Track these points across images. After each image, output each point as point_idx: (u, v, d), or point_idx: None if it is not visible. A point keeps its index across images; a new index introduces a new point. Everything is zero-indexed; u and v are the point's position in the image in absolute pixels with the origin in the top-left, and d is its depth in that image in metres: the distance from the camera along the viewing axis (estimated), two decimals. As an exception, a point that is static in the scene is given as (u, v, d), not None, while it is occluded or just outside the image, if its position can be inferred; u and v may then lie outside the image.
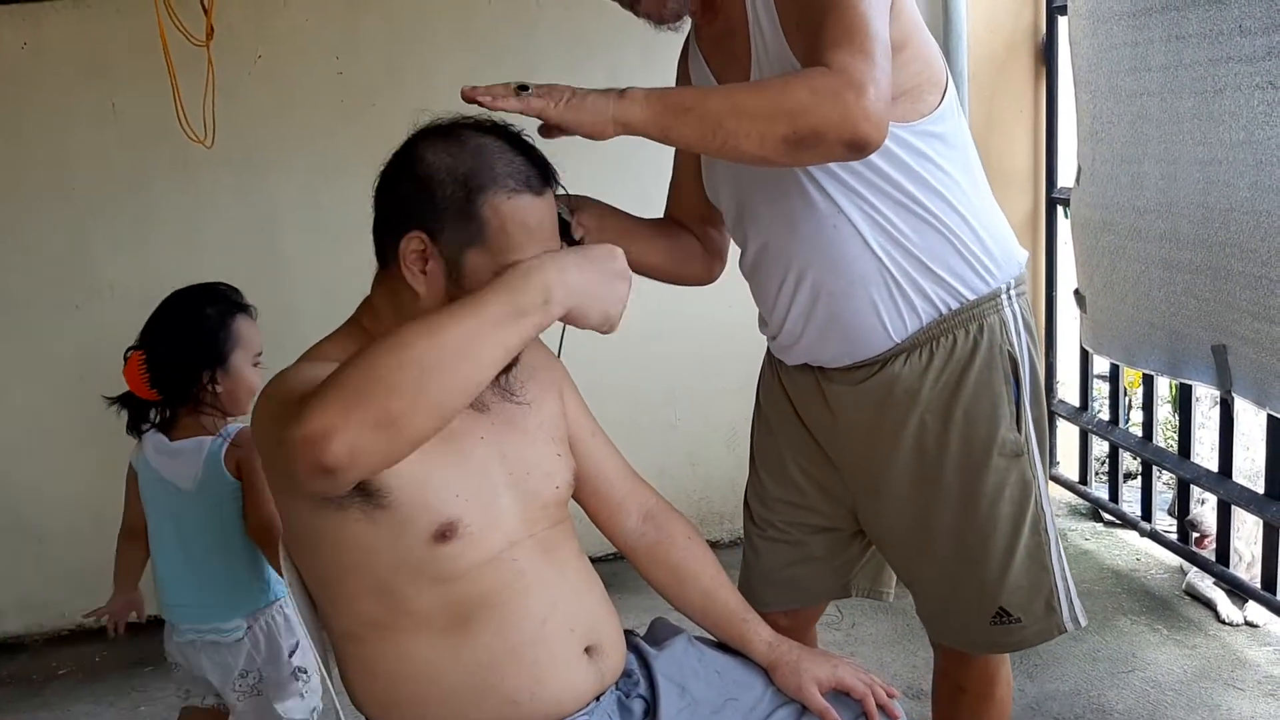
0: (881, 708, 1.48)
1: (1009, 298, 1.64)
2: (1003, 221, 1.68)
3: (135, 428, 2.17)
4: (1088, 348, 3.31)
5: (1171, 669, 2.72)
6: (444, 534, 1.34)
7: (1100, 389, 3.60)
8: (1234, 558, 2.98)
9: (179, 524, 2.11)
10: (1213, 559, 3.01)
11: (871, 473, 1.70)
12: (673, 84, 1.77)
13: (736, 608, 1.57)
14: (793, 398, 1.77)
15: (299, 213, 3.31)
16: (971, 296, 1.60)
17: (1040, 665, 2.77)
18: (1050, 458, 3.77)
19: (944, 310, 1.60)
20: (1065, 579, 1.68)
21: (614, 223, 1.68)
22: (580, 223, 1.59)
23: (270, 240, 3.32)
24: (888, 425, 1.65)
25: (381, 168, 1.37)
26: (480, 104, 1.31)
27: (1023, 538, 1.64)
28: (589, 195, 1.65)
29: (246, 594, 2.12)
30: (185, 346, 2.08)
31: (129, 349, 2.15)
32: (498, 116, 1.36)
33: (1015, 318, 1.64)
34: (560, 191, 1.42)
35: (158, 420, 2.16)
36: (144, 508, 2.18)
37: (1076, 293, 3.23)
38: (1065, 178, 3.53)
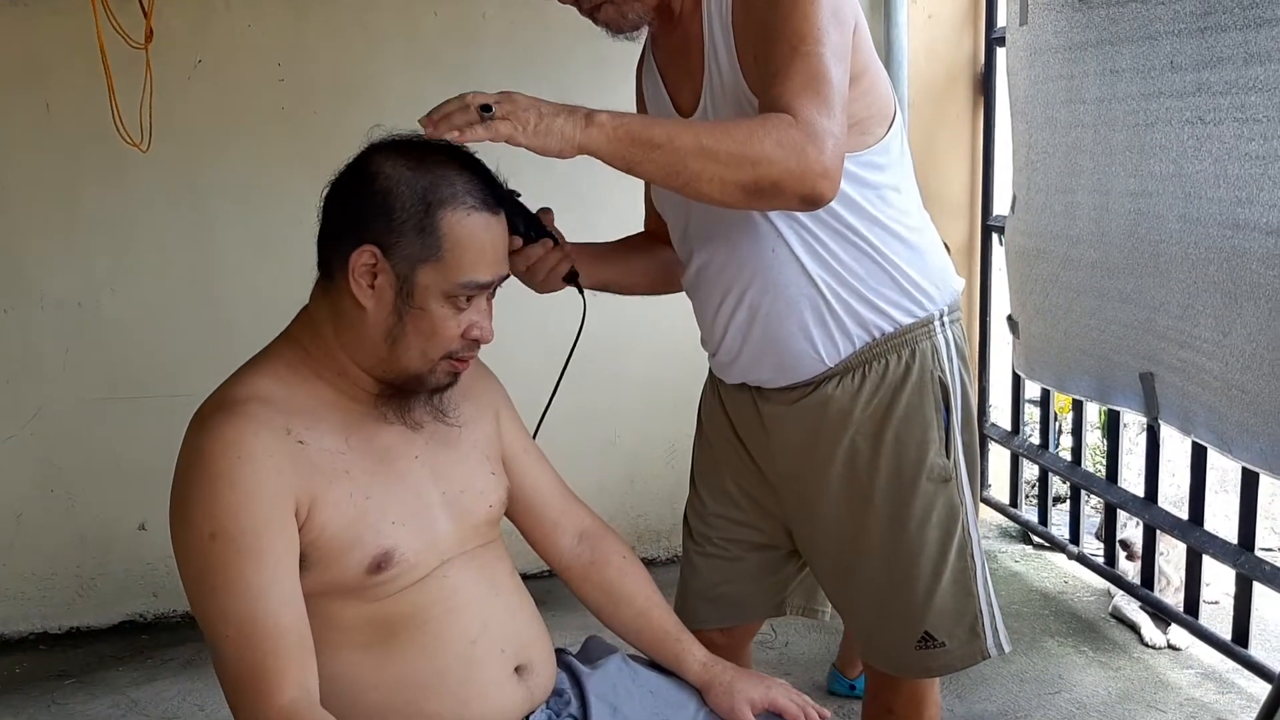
0: (812, 729, 1.49)
1: (942, 324, 1.66)
2: (940, 249, 1.70)
3: None
4: (1020, 372, 3.36)
5: (1096, 691, 2.76)
6: (379, 565, 1.33)
7: (1032, 413, 3.67)
8: (1161, 581, 3.04)
9: None
10: (1138, 583, 3.07)
11: (804, 493, 1.71)
12: (623, 95, 1.76)
13: (671, 628, 1.57)
14: (731, 416, 1.78)
15: (235, 220, 3.26)
16: (905, 322, 1.62)
17: (969, 685, 2.80)
18: (981, 481, 3.82)
19: (876, 335, 1.62)
20: (990, 604, 1.70)
21: (589, 250, 1.69)
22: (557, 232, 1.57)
23: (205, 248, 3.27)
24: (820, 446, 1.67)
25: (333, 177, 1.35)
26: (446, 139, 1.28)
27: (949, 562, 1.66)
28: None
29: None
30: None
31: None
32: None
33: (948, 344, 1.66)
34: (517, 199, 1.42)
35: None
36: None
37: (1010, 318, 3.29)
38: (1001, 205, 3.59)
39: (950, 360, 1.66)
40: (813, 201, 1.39)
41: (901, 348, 1.62)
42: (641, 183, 1.68)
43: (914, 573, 1.65)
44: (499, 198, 1.36)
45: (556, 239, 1.56)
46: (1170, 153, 2.46)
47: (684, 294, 1.77)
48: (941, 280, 1.67)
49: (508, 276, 1.38)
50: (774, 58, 1.41)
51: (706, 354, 1.79)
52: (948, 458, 1.65)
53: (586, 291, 1.67)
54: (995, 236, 3.67)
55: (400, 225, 1.29)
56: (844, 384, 1.63)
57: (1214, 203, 2.34)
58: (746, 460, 1.78)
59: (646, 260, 1.82)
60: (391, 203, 1.29)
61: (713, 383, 1.84)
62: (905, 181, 1.65)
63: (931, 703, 1.80)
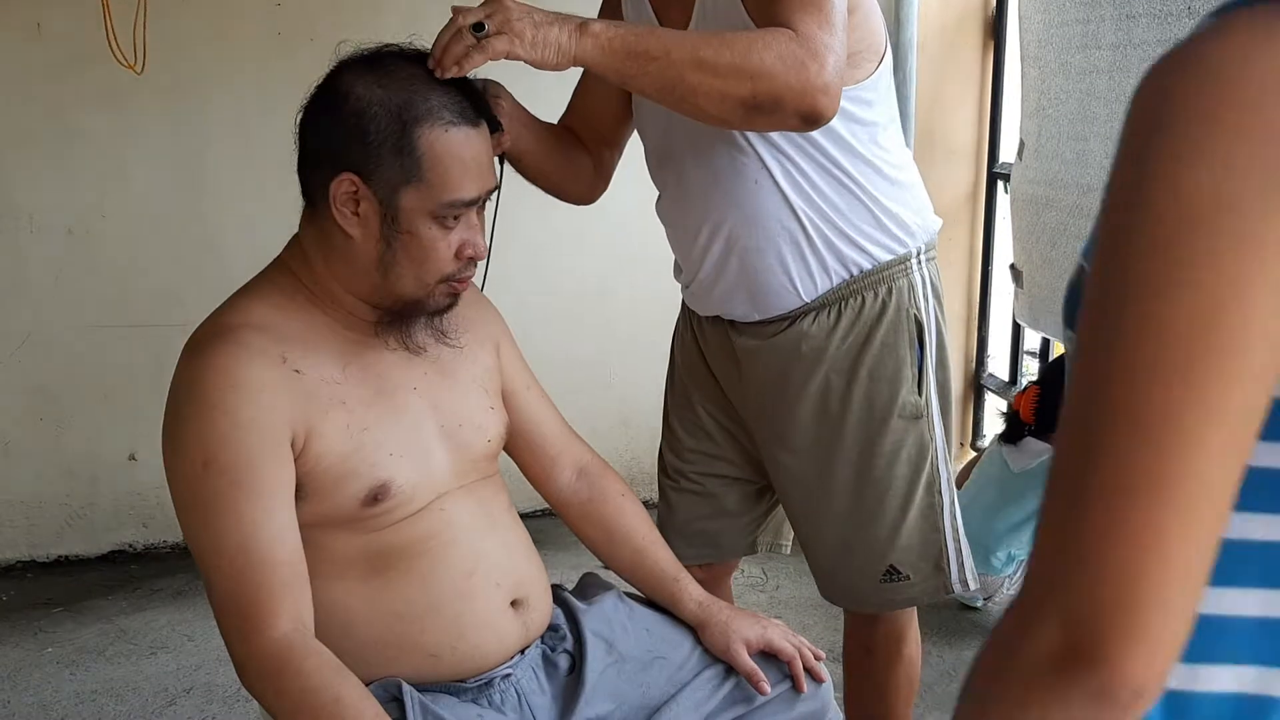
0: (808, 670, 1.48)
1: (919, 262, 1.66)
2: (920, 187, 1.70)
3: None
4: (1022, 322, 3.34)
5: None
6: (376, 497, 1.31)
7: (1030, 365, 3.65)
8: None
9: None
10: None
11: (775, 427, 1.71)
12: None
13: (668, 567, 1.55)
14: (704, 350, 1.78)
15: (230, 147, 3.20)
16: (884, 259, 1.62)
17: (958, 632, 2.81)
18: (975, 430, 3.82)
19: (854, 272, 1.61)
20: (958, 542, 1.71)
21: (523, 115, 1.58)
22: (501, 109, 1.48)
23: (199, 175, 3.21)
24: (793, 381, 1.67)
25: (305, 101, 1.30)
26: (451, 74, 1.24)
27: (917, 498, 1.68)
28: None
29: None
30: None
31: (1028, 380, 2.32)
32: (425, 44, 1.30)
33: (924, 282, 1.66)
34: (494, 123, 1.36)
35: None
36: None
37: (1012, 267, 3.26)
38: (1008, 153, 3.54)
39: (926, 298, 1.66)
40: (813, 119, 1.37)
41: (879, 284, 1.62)
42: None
43: (882, 507, 1.67)
44: (478, 107, 1.31)
45: (503, 127, 1.46)
46: (1185, 101, 2.41)
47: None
48: (921, 218, 1.67)
49: (496, 188, 1.34)
50: None
51: (680, 284, 1.76)
52: (920, 395, 1.66)
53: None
54: (1001, 184, 3.63)
55: (377, 149, 1.24)
56: (820, 320, 1.63)
57: (1228, 153, 2.29)
58: (719, 394, 1.78)
59: (564, 152, 1.69)
60: (365, 125, 1.24)
61: (686, 317, 1.83)
62: (891, 118, 1.64)
63: (910, 640, 1.82)
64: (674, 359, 1.87)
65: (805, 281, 1.60)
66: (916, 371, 1.65)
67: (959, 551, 1.71)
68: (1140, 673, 0.58)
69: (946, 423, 1.71)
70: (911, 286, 1.64)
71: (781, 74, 1.32)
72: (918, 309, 1.64)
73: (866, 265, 1.61)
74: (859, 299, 1.62)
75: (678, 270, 1.75)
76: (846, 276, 1.61)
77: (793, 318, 1.64)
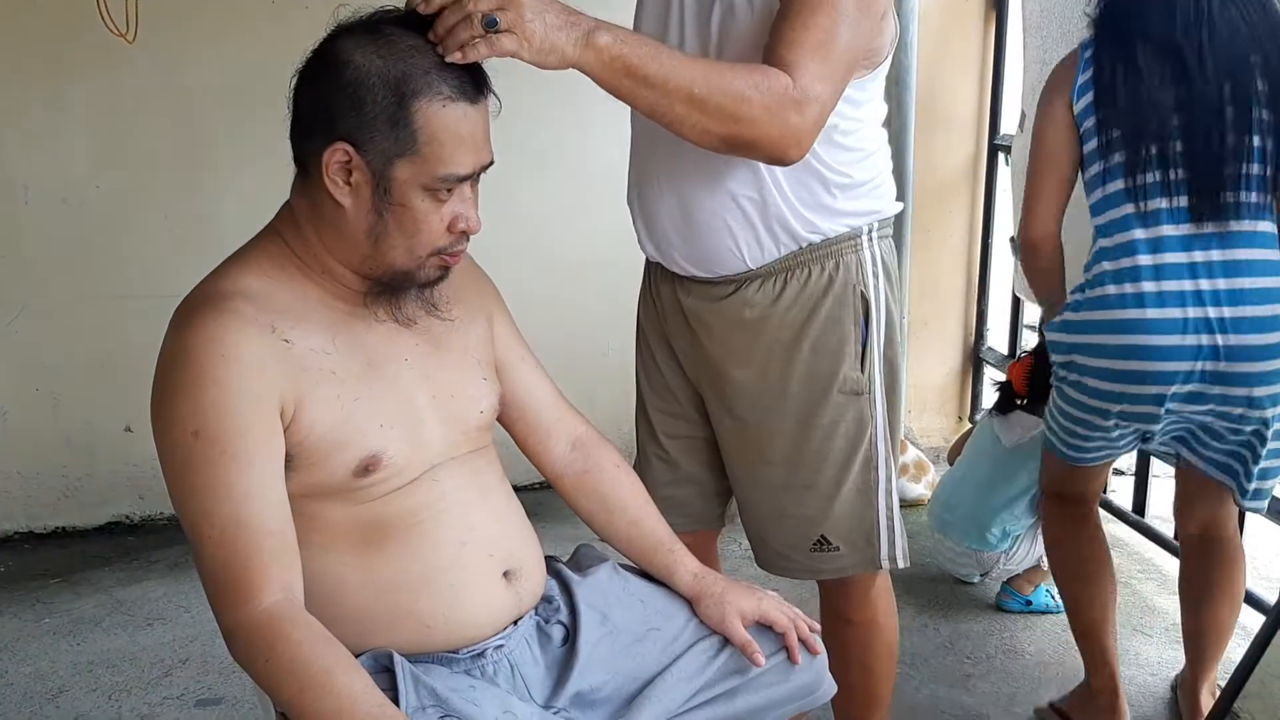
0: (803, 642, 1.47)
1: (870, 239, 1.67)
2: (885, 167, 1.70)
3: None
4: (1022, 295, 3.33)
5: (1083, 614, 2.77)
6: (367, 468, 1.30)
7: (1030, 339, 3.63)
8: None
9: None
10: (1128, 508, 3.06)
11: (719, 391, 1.74)
12: None
13: (664, 538, 1.55)
14: (660, 310, 1.80)
15: (223, 117, 3.17)
16: (833, 233, 1.63)
17: (954, 605, 2.81)
18: (974, 403, 3.81)
19: (803, 245, 1.63)
20: (891, 518, 1.74)
21: None
22: None
23: (192, 145, 3.19)
24: (736, 348, 1.69)
25: (300, 66, 1.28)
26: (454, 60, 1.23)
27: (852, 473, 1.70)
28: None
29: None
30: None
31: (1023, 351, 2.40)
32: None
33: (874, 259, 1.67)
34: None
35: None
36: None
37: (1012, 240, 3.23)
38: (1009, 124, 3.52)
39: (875, 275, 1.67)
40: (778, 162, 1.46)
41: (826, 259, 1.64)
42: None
43: (817, 479, 1.70)
44: (478, 82, 1.29)
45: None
46: (1188, 71, 2.38)
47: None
48: (878, 198, 1.68)
49: (491, 164, 1.32)
50: (797, 6, 1.42)
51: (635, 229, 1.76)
52: (862, 371, 1.67)
53: None
54: (1002, 155, 3.61)
55: (372, 120, 1.22)
56: (764, 289, 1.65)
57: (1231, 124, 2.27)
58: (675, 357, 1.80)
59: None
60: (362, 95, 1.22)
61: (647, 280, 1.84)
62: (878, 103, 1.65)
63: (883, 606, 1.84)
64: (639, 324, 1.89)
65: (752, 248, 1.62)
66: (860, 348, 1.67)
67: (890, 528, 1.74)
68: None
69: (892, 401, 1.73)
70: (860, 263, 1.66)
71: (764, 123, 1.38)
72: (865, 286, 1.66)
73: (815, 239, 1.63)
74: (805, 271, 1.64)
75: (630, 207, 1.75)
76: (794, 248, 1.63)
77: (738, 283, 1.65)
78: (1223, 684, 2.32)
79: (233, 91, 3.15)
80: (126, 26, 2.74)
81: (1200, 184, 1.87)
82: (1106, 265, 1.91)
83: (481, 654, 1.36)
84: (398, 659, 1.28)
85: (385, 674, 1.27)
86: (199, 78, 3.14)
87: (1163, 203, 1.88)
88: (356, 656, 1.23)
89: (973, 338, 3.85)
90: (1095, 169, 1.93)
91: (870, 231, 1.66)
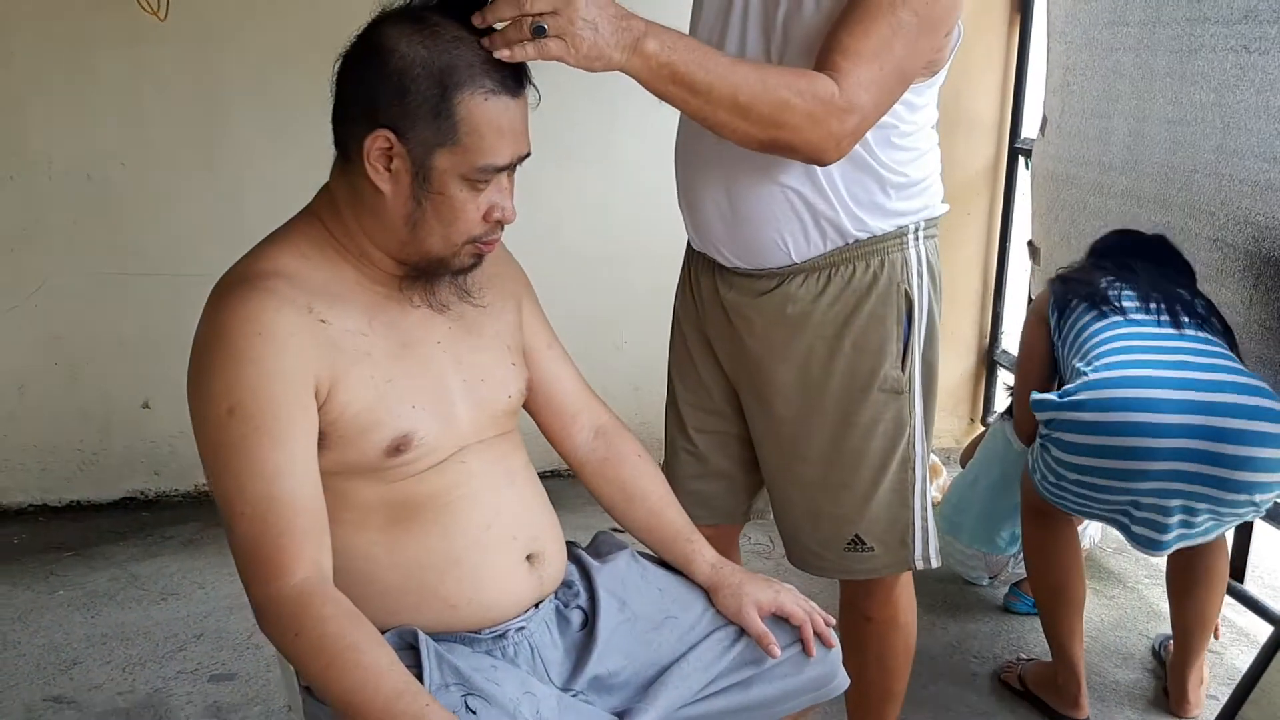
0: (818, 634, 1.49)
1: (916, 238, 1.66)
2: (936, 167, 1.70)
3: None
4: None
5: (1089, 617, 2.76)
6: (398, 448, 1.31)
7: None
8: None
9: None
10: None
11: (757, 388, 1.73)
12: None
13: (682, 528, 1.56)
14: (698, 303, 1.79)
15: (250, 98, 3.19)
16: (879, 231, 1.63)
17: (963, 606, 2.83)
18: (987, 406, 3.82)
19: (849, 241, 1.62)
20: (925, 519, 1.74)
21: None
22: None
23: (218, 125, 3.20)
24: (776, 344, 1.68)
25: (345, 50, 1.29)
26: (500, 57, 1.23)
27: (889, 472, 1.70)
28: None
29: None
30: None
31: None
32: None
33: (919, 259, 1.67)
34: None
35: None
36: None
37: (1030, 243, 3.25)
38: (1030, 128, 3.52)
39: (920, 275, 1.67)
40: (815, 163, 1.48)
41: (871, 256, 1.63)
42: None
43: (854, 478, 1.69)
44: (519, 76, 1.30)
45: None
46: (1212, 81, 2.40)
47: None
48: (927, 197, 1.67)
49: (528, 154, 1.34)
50: (858, 10, 1.43)
51: (682, 215, 1.76)
52: (903, 371, 1.67)
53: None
54: (1022, 159, 3.61)
55: (415, 109, 1.24)
56: (808, 284, 1.65)
57: (1253, 135, 2.28)
58: (711, 351, 1.80)
59: None
60: (406, 84, 1.23)
61: (686, 266, 1.83)
62: (933, 107, 1.65)
63: (905, 606, 1.84)
64: (676, 317, 1.88)
65: (798, 242, 1.61)
66: (902, 347, 1.66)
67: (925, 529, 1.74)
68: None
69: (929, 401, 1.73)
70: (905, 262, 1.65)
71: (805, 129, 1.39)
72: (909, 284, 1.65)
73: (861, 235, 1.62)
74: (849, 267, 1.63)
75: (680, 201, 1.75)
76: (840, 244, 1.62)
77: (781, 278, 1.65)
78: (1209, 671, 2.45)
79: (260, 73, 3.17)
80: (158, 4, 2.75)
81: None
82: None
83: (503, 635, 1.38)
84: (422, 637, 1.30)
85: (410, 651, 1.29)
86: (228, 58, 3.15)
87: None
88: (382, 634, 1.25)
89: (987, 340, 3.86)
90: None
91: (917, 230, 1.66)
